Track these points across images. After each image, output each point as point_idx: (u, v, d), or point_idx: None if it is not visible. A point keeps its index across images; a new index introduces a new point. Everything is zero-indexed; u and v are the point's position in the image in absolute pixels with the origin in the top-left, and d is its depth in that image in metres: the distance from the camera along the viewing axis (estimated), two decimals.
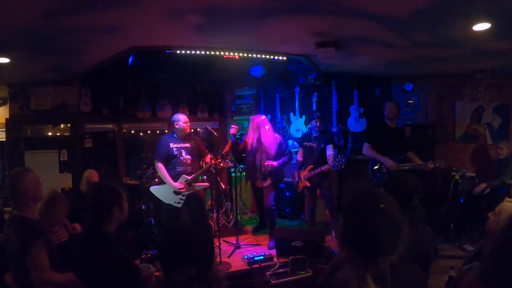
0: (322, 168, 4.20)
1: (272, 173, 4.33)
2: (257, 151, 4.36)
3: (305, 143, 4.53)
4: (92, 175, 4.05)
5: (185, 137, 4.04)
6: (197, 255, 1.32)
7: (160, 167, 3.93)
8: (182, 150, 3.97)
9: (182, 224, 1.45)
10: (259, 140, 4.30)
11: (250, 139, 4.41)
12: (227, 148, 4.25)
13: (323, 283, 1.27)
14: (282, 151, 4.36)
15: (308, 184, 4.40)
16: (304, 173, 4.43)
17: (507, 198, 1.85)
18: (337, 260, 1.57)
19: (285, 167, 4.51)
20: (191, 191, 3.97)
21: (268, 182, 4.37)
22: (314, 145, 4.41)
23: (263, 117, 4.40)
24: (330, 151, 4.28)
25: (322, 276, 1.40)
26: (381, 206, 1.09)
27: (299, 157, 4.64)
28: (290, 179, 4.85)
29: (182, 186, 3.89)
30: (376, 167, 4.22)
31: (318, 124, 4.37)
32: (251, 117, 4.47)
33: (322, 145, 4.33)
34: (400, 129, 4.52)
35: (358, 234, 1.10)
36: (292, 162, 4.62)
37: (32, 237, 1.92)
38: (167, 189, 3.94)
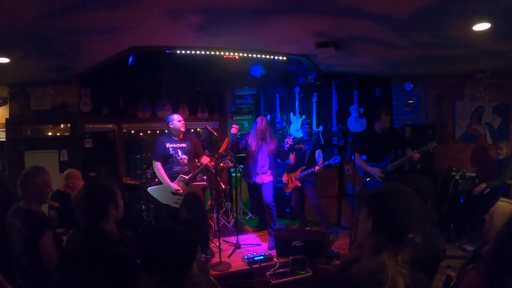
0: (314, 169, 4.36)
1: (272, 169, 4.49)
2: (260, 150, 4.48)
3: (297, 146, 4.70)
4: (76, 174, 3.61)
5: (181, 137, 4.03)
6: (168, 261, 1.30)
7: (158, 167, 3.92)
8: (178, 150, 3.97)
9: (157, 229, 1.47)
10: (264, 140, 4.45)
11: (253, 139, 4.50)
12: (223, 147, 4.22)
13: (332, 278, 1.26)
14: (282, 151, 4.52)
15: (299, 184, 4.55)
16: (296, 174, 4.56)
17: (501, 198, 1.82)
18: (349, 257, 1.56)
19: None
20: (189, 191, 3.96)
21: (268, 178, 4.48)
22: (306, 147, 4.60)
23: (266, 119, 4.56)
24: (319, 154, 4.54)
25: (330, 272, 1.42)
26: (408, 190, 1.19)
27: (291, 161, 4.79)
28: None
29: (179, 188, 3.87)
30: (368, 178, 4.26)
31: (307, 130, 4.64)
32: (258, 118, 4.53)
33: (312, 148, 4.58)
34: (393, 129, 4.52)
35: (390, 216, 1.15)
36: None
37: (42, 228, 2.14)
38: (165, 190, 3.91)
